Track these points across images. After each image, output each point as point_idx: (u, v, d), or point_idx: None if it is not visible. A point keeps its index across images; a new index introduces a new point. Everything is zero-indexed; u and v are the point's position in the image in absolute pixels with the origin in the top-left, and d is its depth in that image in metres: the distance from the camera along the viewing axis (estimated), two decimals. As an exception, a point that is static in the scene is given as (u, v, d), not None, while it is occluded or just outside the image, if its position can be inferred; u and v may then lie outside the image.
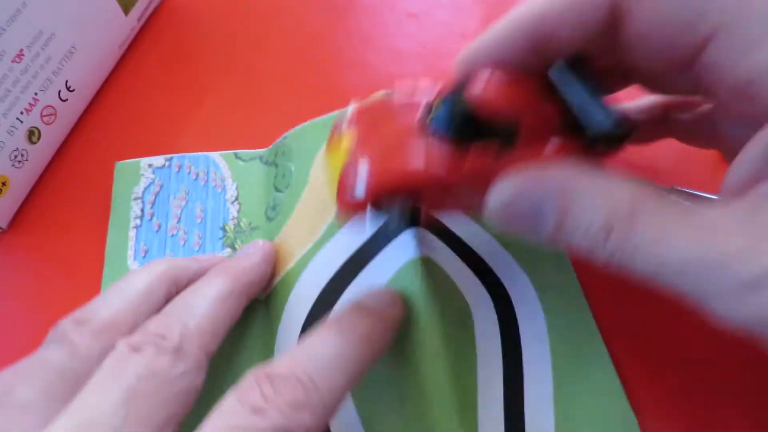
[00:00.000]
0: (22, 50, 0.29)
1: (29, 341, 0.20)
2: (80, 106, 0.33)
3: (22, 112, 0.29)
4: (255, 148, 0.30)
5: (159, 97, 0.34)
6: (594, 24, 0.17)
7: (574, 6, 0.17)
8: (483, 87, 0.18)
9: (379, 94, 0.23)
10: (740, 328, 0.14)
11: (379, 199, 0.18)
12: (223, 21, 0.37)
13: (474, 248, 0.24)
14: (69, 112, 0.33)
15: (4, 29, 0.27)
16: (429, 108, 0.18)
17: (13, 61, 0.28)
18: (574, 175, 0.17)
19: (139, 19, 0.37)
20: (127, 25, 0.36)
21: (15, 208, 0.30)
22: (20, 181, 0.30)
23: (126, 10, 0.35)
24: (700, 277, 0.14)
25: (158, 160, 0.30)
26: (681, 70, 0.17)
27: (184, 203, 0.28)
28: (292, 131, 0.28)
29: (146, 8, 0.37)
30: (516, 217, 0.17)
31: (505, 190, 0.17)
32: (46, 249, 0.29)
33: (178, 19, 0.38)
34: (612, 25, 0.17)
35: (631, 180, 0.16)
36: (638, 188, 0.16)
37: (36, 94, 0.30)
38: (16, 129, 0.29)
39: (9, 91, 0.28)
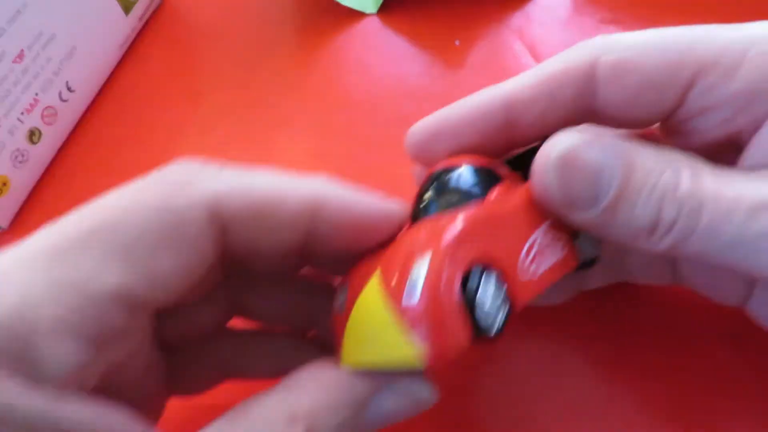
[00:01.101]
0: (22, 51, 0.29)
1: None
2: (81, 107, 0.33)
3: (22, 113, 0.29)
4: (255, 148, 0.30)
5: (159, 97, 0.34)
6: (563, 102, 0.17)
7: (542, 86, 0.17)
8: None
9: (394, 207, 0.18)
10: None
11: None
12: (223, 21, 0.37)
13: None
14: (69, 113, 0.33)
15: (4, 30, 0.27)
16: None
17: (13, 62, 0.28)
18: (632, 143, 0.16)
19: (139, 19, 0.37)
20: (127, 25, 0.36)
21: (16, 208, 0.30)
22: (21, 181, 0.30)
23: (126, 10, 0.35)
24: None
25: None
26: (663, 117, 0.17)
27: None
28: None
29: (147, 8, 0.37)
30: (575, 174, 0.16)
31: (567, 140, 0.16)
32: (47, 249, 0.29)
33: (178, 19, 0.38)
34: (581, 103, 0.17)
35: (682, 151, 0.16)
36: (692, 156, 0.16)
37: (36, 94, 0.30)
38: (17, 129, 0.29)
39: (9, 91, 0.28)
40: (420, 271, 0.14)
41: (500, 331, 0.14)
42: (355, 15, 0.36)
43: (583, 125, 0.18)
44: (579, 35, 0.32)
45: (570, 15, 0.33)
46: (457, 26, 0.34)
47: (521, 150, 0.19)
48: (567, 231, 0.17)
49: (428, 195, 0.17)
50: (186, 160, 0.17)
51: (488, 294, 0.14)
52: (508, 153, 0.19)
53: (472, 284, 0.14)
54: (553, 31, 0.33)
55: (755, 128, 0.16)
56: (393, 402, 0.16)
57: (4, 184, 0.29)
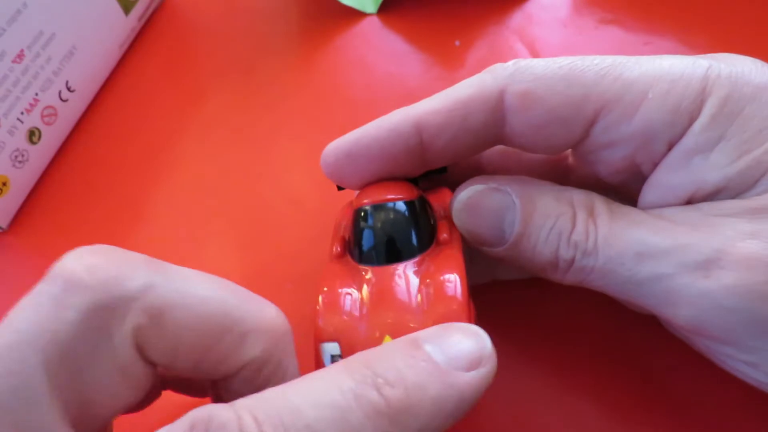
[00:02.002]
0: (22, 50, 0.29)
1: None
2: (81, 107, 0.33)
3: (22, 113, 0.29)
4: (254, 148, 0.30)
5: (159, 97, 0.34)
6: (474, 128, 0.18)
7: (453, 112, 0.18)
8: None
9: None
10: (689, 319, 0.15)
11: None
12: (223, 21, 0.37)
13: None
14: (69, 113, 0.33)
15: (4, 29, 0.27)
16: None
17: (13, 62, 0.28)
18: (532, 186, 0.18)
19: (139, 19, 0.37)
20: (127, 25, 0.36)
21: (15, 208, 0.30)
22: (21, 181, 0.30)
23: (126, 10, 0.35)
24: (660, 261, 0.15)
25: None
26: (568, 147, 0.18)
27: None
28: None
29: (147, 8, 0.37)
30: (478, 217, 0.18)
31: (472, 187, 0.18)
32: (46, 249, 0.29)
33: (178, 19, 0.38)
34: (491, 130, 0.18)
35: (583, 190, 0.18)
36: (592, 196, 0.17)
37: (36, 94, 0.30)
38: (17, 129, 0.29)
39: (9, 91, 0.28)
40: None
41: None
42: (355, 15, 0.36)
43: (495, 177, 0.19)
44: (579, 35, 0.32)
45: (570, 15, 0.33)
46: (457, 26, 0.34)
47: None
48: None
49: (374, 235, 0.18)
50: (108, 260, 0.14)
51: None
52: (405, 177, 0.20)
53: None
54: (553, 31, 0.33)
55: (652, 164, 0.17)
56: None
57: (4, 184, 0.29)
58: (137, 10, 0.36)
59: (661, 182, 0.17)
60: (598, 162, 0.19)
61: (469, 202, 0.18)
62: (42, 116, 0.31)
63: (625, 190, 0.19)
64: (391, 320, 0.16)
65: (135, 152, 0.32)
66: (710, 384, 0.21)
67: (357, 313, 0.16)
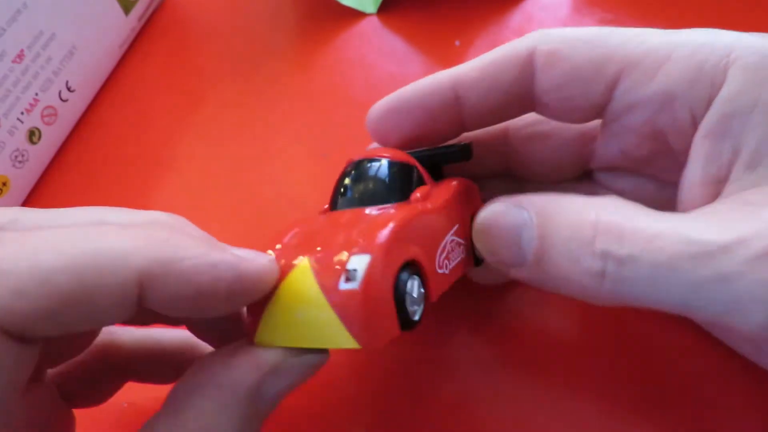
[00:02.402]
0: (22, 50, 0.29)
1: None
2: (81, 106, 0.33)
3: (22, 113, 0.29)
4: (254, 148, 0.30)
5: (159, 97, 0.34)
6: (506, 84, 0.19)
7: (488, 68, 0.19)
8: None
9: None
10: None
11: None
12: (223, 21, 0.37)
13: None
14: (69, 113, 0.33)
15: (4, 29, 0.27)
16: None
17: (13, 62, 0.28)
18: (550, 200, 0.17)
19: (139, 20, 0.37)
20: (127, 25, 0.36)
21: (15, 208, 0.30)
22: (21, 182, 0.30)
23: (126, 10, 0.35)
24: (722, 259, 0.13)
25: None
26: (594, 111, 0.19)
27: None
28: None
29: (147, 8, 0.37)
30: (496, 239, 0.17)
31: (489, 209, 0.18)
32: (47, 249, 0.29)
33: (178, 19, 0.38)
34: (523, 87, 0.19)
35: (608, 196, 0.16)
36: (617, 201, 0.16)
37: (36, 94, 0.30)
38: (17, 129, 0.29)
39: (9, 91, 0.28)
40: (359, 266, 0.15)
41: (420, 320, 0.16)
42: (355, 15, 0.36)
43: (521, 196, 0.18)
44: (579, 35, 0.32)
45: (570, 15, 0.33)
46: (457, 26, 0.34)
47: (432, 149, 0.20)
48: (468, 234, 0.19)
49: (349, 183, 0.19)
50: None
51: (414, 289, 0.16)
52: (444, 140, 0.21)
53: (402, 281, 0.15)
54: (553, 31, 0.33)
55: (678, 134, 0.17)
56: (284, 381, 0.15)
57: (4, 184, 0.29)
58: (137, 10, 0.36)
59: (699, 153, 0.16)
60: (622, 132, 0.19)
61: (486, 222, 0.18)
62: (42, 116, 0.31)
63: (653, 171, 0.19)
64: (311, 246, 0.16)
65: (135, 152, 0.32)
66: (713, 384, 0.21)
67: (294, 242, 0.17)
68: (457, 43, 0.33)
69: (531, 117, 0.21)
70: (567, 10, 0.34)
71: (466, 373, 0.23)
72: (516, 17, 0.34)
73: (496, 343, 0.23)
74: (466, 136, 0.21)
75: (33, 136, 0.30)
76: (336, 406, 0.22)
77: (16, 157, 0.29)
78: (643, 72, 0.17)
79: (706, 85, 0.16)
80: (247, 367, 0.15)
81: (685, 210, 0.17)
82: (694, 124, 0.17)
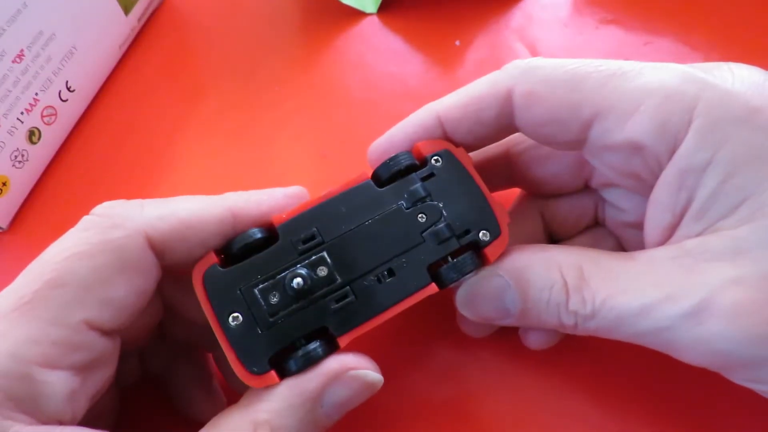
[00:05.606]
0: (22, 50, 0.29)
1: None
2: (80, 107, 0.33)
3: (22, 113, 0.29)
4: (254, 148, 0.30)
5: (159, 98, 0.34)
6: (487, 121, 0.20)
7: (469, 107, 0.20)
8: None
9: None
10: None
11: None
12: (223, 21, 0.37)
13: None
14: (69, 113, 0.33)
15: (4, 29, 0.27)
16: None
17: (13, 62, 0.28)
18: (522, 258, 0.19)
19: (139, 20, 0.37)
20: (127, 25, 0.36)
21: (15, 208, 0.30)
22: (21, 181, 0.30)
23: (126, 10, 0.35)
24: (656, 315, 0.17)
25: None
26: (574, 146, 0.20)
27: None
28: None
29: (146, 8, 0.37)
30: (480, 305, 0.19)
31: (466, 285, 0.19)
32: (47, 249, 0.29)
33: (178, 19, 0.38)
34: (504, 122, 0.20)
35: (571, 249, 0.19)
36: (581, 255, 0.19)
37: (36, 94, 0.30)
38: (17, 129, 0.29)
39: (9, 91, 0.28)
40: None
41: None
42: (355, 15, 0.36)
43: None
44: (579, 35, 0.32)
45: (570, 15, 0.33)
46: (457, 26, 0.34)
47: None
48: None
49: None
50: (109, 203, 0.19)
51: None
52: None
53: None
54: (553, 31, 0.33)
55: (653, 176, 0.18)
56: (344, 391, 0.18)
57: (4, 184, 0.29)
58: (137, 10, 0.36)
59: (659, 199, 0.18)
60: (604, 164, 0.20)
61: (469, 295, 0.19)
62: (42, 116, 0.31)
63: (645, 192, 0.20)
64: None
65: (135, 152, 0.32)
66: (710, 386, 0.21)
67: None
68: (457, 43, 0.33)
69: (528, 139, 0.22)
70: (567, 10, 0.34)
71: (466, 373, 0.23)
72: (516, 17, 0.34)
73: (496, 343, 0.23)
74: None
75: (33, 136, 0.30)
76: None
77: (16, 157, 0.29)
78: (614, 120, 0.18)
79: (671, 138, 0.17)
80: (313, 373, 0.18)
81: (647, 243, 0.19)
82: (661, 169, 0.18)
